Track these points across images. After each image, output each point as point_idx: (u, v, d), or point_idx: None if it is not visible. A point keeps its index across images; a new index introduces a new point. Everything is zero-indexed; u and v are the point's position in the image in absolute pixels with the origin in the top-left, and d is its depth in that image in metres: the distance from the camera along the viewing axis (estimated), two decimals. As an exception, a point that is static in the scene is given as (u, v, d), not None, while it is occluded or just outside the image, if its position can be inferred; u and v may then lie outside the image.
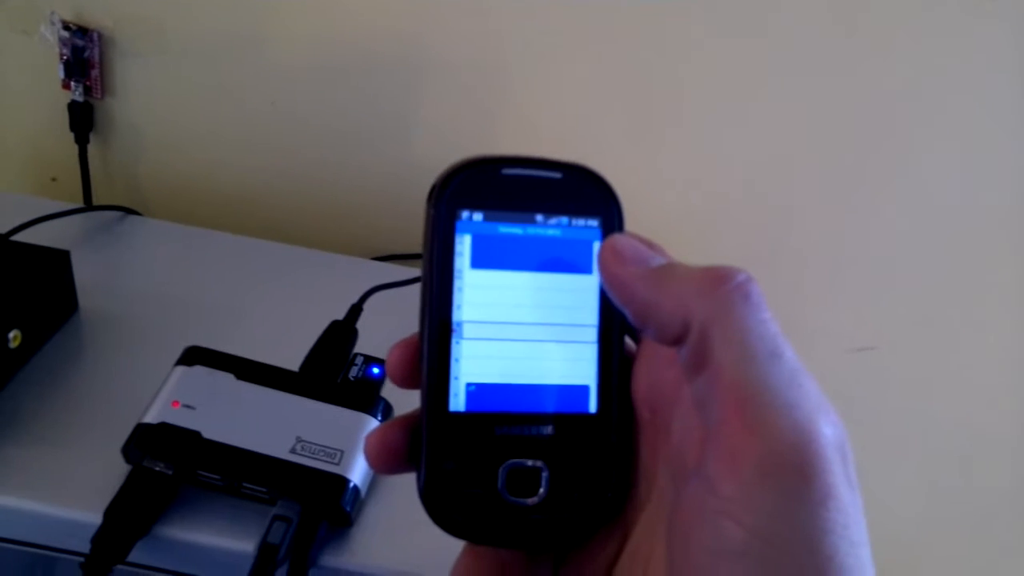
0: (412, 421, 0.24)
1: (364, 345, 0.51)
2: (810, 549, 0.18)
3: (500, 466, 0.23)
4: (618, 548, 0.24)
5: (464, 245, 0.24)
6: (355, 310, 0.52)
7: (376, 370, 0.48)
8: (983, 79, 0.63)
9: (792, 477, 0.18)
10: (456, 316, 0.24)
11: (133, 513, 0.40)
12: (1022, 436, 0.82)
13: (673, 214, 0.73)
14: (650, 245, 0.25)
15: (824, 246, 0.73)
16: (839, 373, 0.80)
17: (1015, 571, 0.93)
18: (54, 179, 0.73)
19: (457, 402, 0.24)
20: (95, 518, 0.40)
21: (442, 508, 0.23)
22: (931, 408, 0.81)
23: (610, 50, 0.65)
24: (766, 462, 0.18)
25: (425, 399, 0.24)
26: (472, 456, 0.23)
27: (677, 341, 0.21)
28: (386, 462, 0.24)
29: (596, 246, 0.25)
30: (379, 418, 0.45)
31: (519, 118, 0.68)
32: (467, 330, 0.24)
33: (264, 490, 0.41)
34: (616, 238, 0.23)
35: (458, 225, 0.24)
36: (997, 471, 0.85)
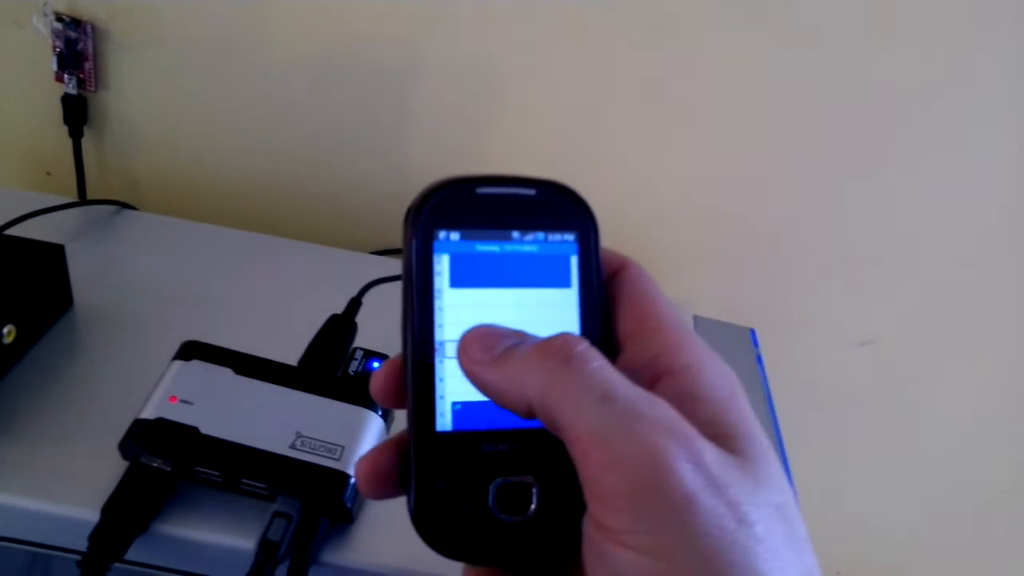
0: (402, 443, 0.24)
1: (364, 339, 0.50)
2: (693, 553, 0.19)
3: (490, 484, 0.23)
4: None
5: (442, 265, 0.24)
6: (354, 304, 0.52)
7: (376, 364, 0.47)
8: (983, 75, 0.63)
9: (653, 496, 0.20)
10: (438, 336, 0.24)
11: (131, 510, 0.40)
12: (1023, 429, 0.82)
13: (672, 210, 0.72)
14: (622, 265, 0.26)
15: (825, 240, 0.73)
16: (840, 367, 0.80)
17: (1018, 566, 0.93)
18: (48, 173, 0.73)
19: (444, 422, 0.24)
20: (92, 515, 0.39)
21: (434, 529, 0.23)
22: (932, 402, 0.81)
23: (605, 47, 0.64)
24: (629, 491, 0.20)
25: (412, 420, 0.24)
26: (461, 475, 0.23)
27: (532, 417, 0.22)
28: (378, 487, 0.24)
29: (574, 260, 0.25)
30: (379, 413, 0.44)
31: (515, 114, 0.68)
32: (450, 349, 0.24)
33: (264, 486, 0.41)
34: (467, 334, 0.24)
35: (436, 245, 0.24)
36: (999, 465, 0.85)
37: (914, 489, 0.88)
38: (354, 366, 0.47)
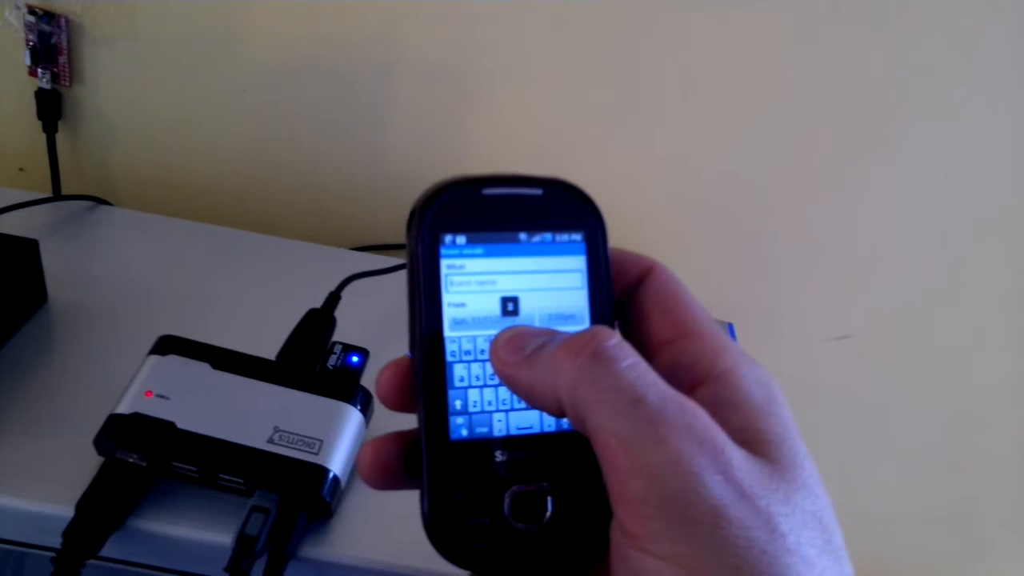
0: (407, 438, 0.24)
1: (343, 333, 0.50)
2: (721, 564, 0.19)
3: (505, 492, 0.23)
4: None
5: (449, 269, 0.24)
6: (333, 298, 0.51)
7: (355, 358, 0.47)
8: (968, 66, 0.64)
9: (679, 507, 0.19)
10: (448, 344, 0.24)
11: (106, 506, 0.39)
12: (1000, 424, 0.83)
13: (651, 205, 0.72)
14: (650, 268, 0.25)
15: (803, 235, 0.73)
16: (816, 362, 0.80)
17: (994, 560, 0.94)
18: (21, 169, 0.72)
19: (457, 431, 0.23)
20: (67, 511, 0.39)
21: (449, 540, 0.23)
22: (908, 397, 0.82)
23: (585, 44, 0.64)
24: (656, 499, 0.19)
25: (423, 430, 0.23)
26: (476, 485, 0.23)
27: (563, 416, 0.22)
28: (381, 479, 0.24)
29: (582, 260, 0.25)
30: (359, 407, 0.44)
31: (495, 111, 0.68)
32: (459, 356, 0.24)
33: (241, 481, 0.40)
34: (497, 336, 0.23)
35: (442, 250, 0.24)
36: (975, 460, 0.85)
37: (890, 483, 0.89)
38: (332, 360, 0.47)
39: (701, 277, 0.75)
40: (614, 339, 0.21)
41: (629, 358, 0.21)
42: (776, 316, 0.78)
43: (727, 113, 0.67)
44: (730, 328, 0.69)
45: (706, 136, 0.68)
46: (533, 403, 0.23)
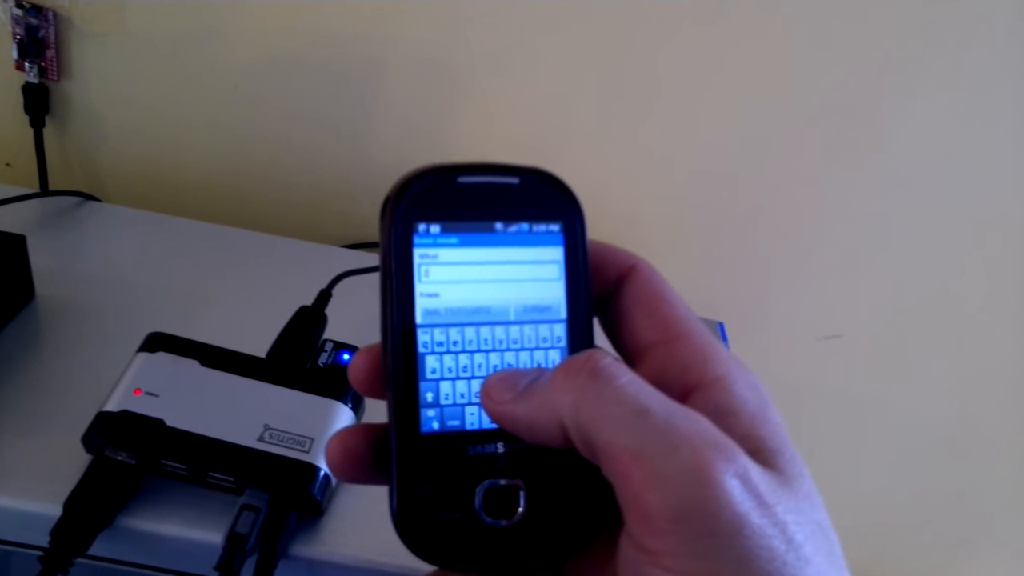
0: (375, 431, 0.24)
1: (334, 331, 0.50)
2: None
3: (476, 487, 0.23)
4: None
5: (423, 259, 0.23)
6: (324, 295, 0.51)
7: (346, 356, 0.47)
8: (962, 64, 0.64)
9: (699, 518, 0.19)
10: (420, 335, 0.23)
11: (94, 504, 0.39)
12: (990, 423, 0.83)
13: (642, 205, 0.72)
14: (632, 266, 0.25)
15: (792, 233, 0.73)
16: (805, 361, 0.80)
17: (980, 556, 0.95)
18: (8, 164, 0.71)
19: (427, 423, 0.23)
20: (55, 510, 0.39)
21: (418, 536, 0.22)
22: (897, 396, 0.82)
23: (575, 42, 0.64)
24: (672, 512, 0.19)
25: (393, 422, 0.23)
26: (446, 479, 0.23)
27: (568, 443, 0.21)
28: (349, 472, 0.24)
29: (559, 250, 0.24)
30: (349, 405, 0.44)
31: (485, 109, 0.68)
32: (431, 347, 0.23)
33: (231, 479, 0.40)
34: (487, 379, 0.23)
35: (415, 239, 0.23)
36: (965, 459, 0.86)
37: (877, 483, 0.89)
38: (324, 358, 0.47)
39: (692, 276, 0.75)
40: (608, 358, 0.21)
41: (627, 374, 0.21)
42: (766, 315, 0.78)
43: (718, 112, 0.67)
44: (720, 327, 0.69)
45: (697, 135, 0.68)
46: (534, 436, 0.22)
